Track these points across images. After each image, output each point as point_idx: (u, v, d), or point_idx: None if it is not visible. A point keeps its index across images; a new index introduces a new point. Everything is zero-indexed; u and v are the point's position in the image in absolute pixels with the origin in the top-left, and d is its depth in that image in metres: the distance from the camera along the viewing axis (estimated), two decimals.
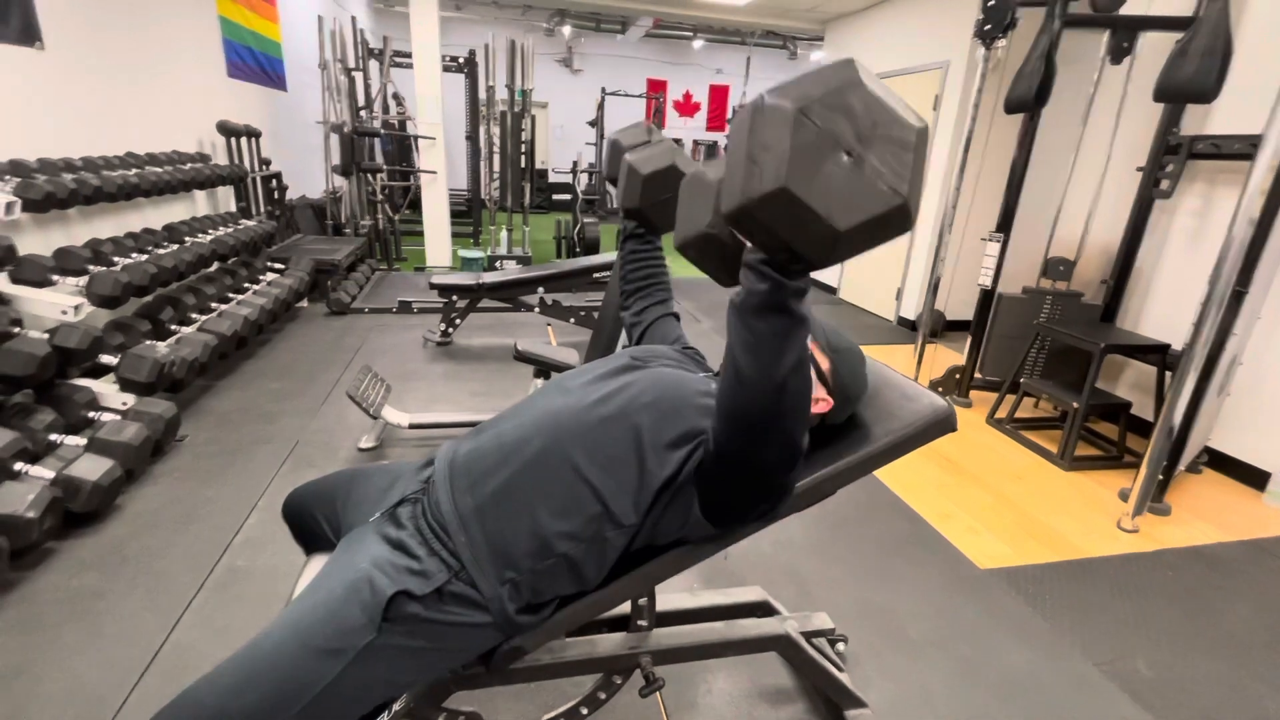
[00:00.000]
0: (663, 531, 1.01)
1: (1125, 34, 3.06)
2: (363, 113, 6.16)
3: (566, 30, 10.35)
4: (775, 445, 0.87)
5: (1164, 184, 3.00)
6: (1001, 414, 3.31)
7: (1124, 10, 3.03)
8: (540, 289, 4.06)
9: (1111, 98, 3.20)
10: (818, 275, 6.76)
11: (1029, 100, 2.98)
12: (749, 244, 0.75)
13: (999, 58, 3.20)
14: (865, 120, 0.62)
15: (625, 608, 1.24)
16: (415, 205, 6.68)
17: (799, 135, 0.60)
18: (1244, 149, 2.70)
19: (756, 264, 0.75)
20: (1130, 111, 3.14)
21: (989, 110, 3.51)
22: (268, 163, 5.04)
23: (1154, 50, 3.04)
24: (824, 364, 1.07)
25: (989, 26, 3.10)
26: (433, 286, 3.99)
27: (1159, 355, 2.93)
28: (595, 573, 1.00)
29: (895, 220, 0.64)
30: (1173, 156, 2.97)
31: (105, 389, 2.40)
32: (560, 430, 1.00)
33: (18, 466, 1.90)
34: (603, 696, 1.26)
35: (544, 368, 2.54)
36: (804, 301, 0.77)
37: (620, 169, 1.31)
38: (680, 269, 7.04)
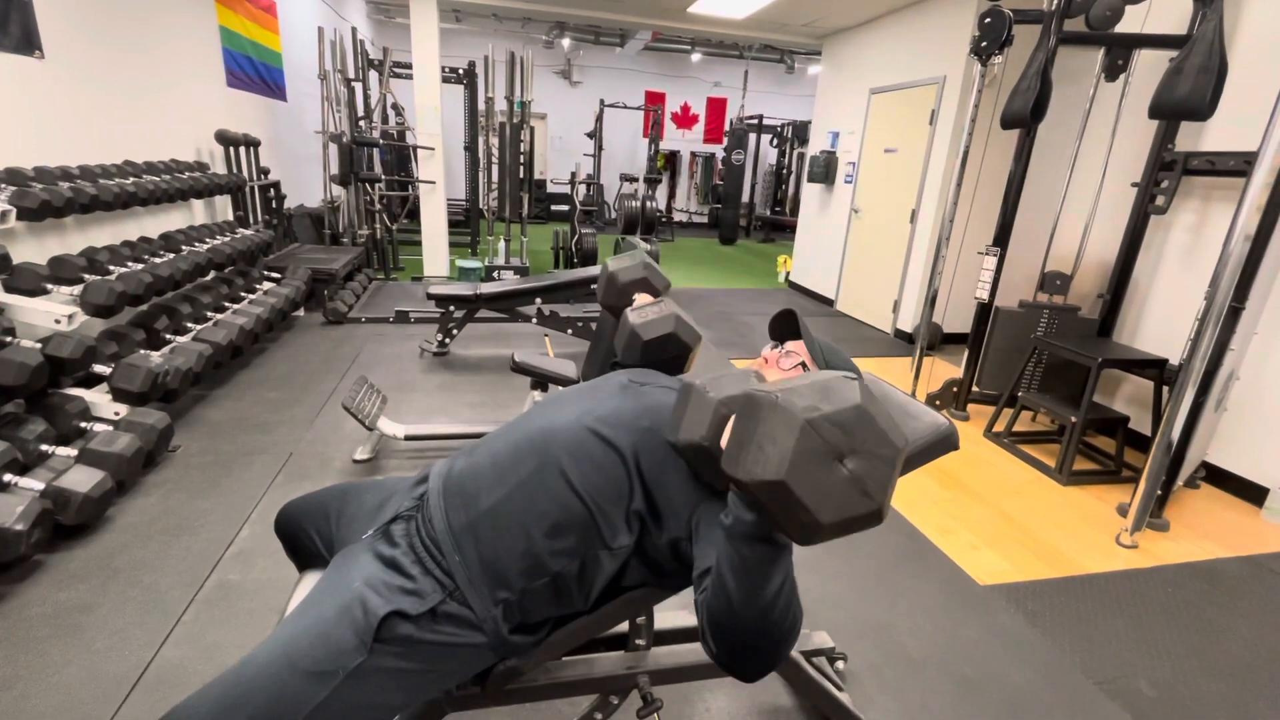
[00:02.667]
0: (657, 568, 1.01)
1: (1120, 51, 3.09)
2: (362, 123, 6.18)
3: (566, 43, 10.42)
4: (755, 662, 0.88)
5: (1159, 200, 3.02)
6: (999, 427, 3.31)
7: (1119, 28, 3.06)
8: (538, 300, 4.05)
9: (1107, 114, 3.22)
10: (816, 288, 6.74)
11: (1025, 116, 3.00)
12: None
13: (995, 74, 3.23)
14: (858, 436, 0.73)
15: (623, 627, 1.23)
16: (413, 215, 6.68)
17: (803, 442, 0.71)
18: (1239, 166, 2.72)
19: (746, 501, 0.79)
20: (1125, 128, 3.17)
21: (985, 125, 3.54)
22: (266, 172, 5.04)
23: (1149, 68, 3.08)
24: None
25: (985, 43, 3.13)
26: (430, 297, 3.98)
27: (1156, 370, 2.94)
28: (589, 594, 0.99)
29: (869, 520, 0.74)
30: (1168, 173, 2.99)
31: (98, 399, 2.38)
32: (555, 449, 0.99)
33: (7, 478, 1.88)
34: (600, 717, 1.24)
35: (541, 379, 2.52)
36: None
37: (621, 323, 1.40)
38: (679, 281, 7.06)
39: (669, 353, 1.35)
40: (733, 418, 0.79)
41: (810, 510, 0.71)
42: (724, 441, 0.82)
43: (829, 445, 0.72)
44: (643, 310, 1.38)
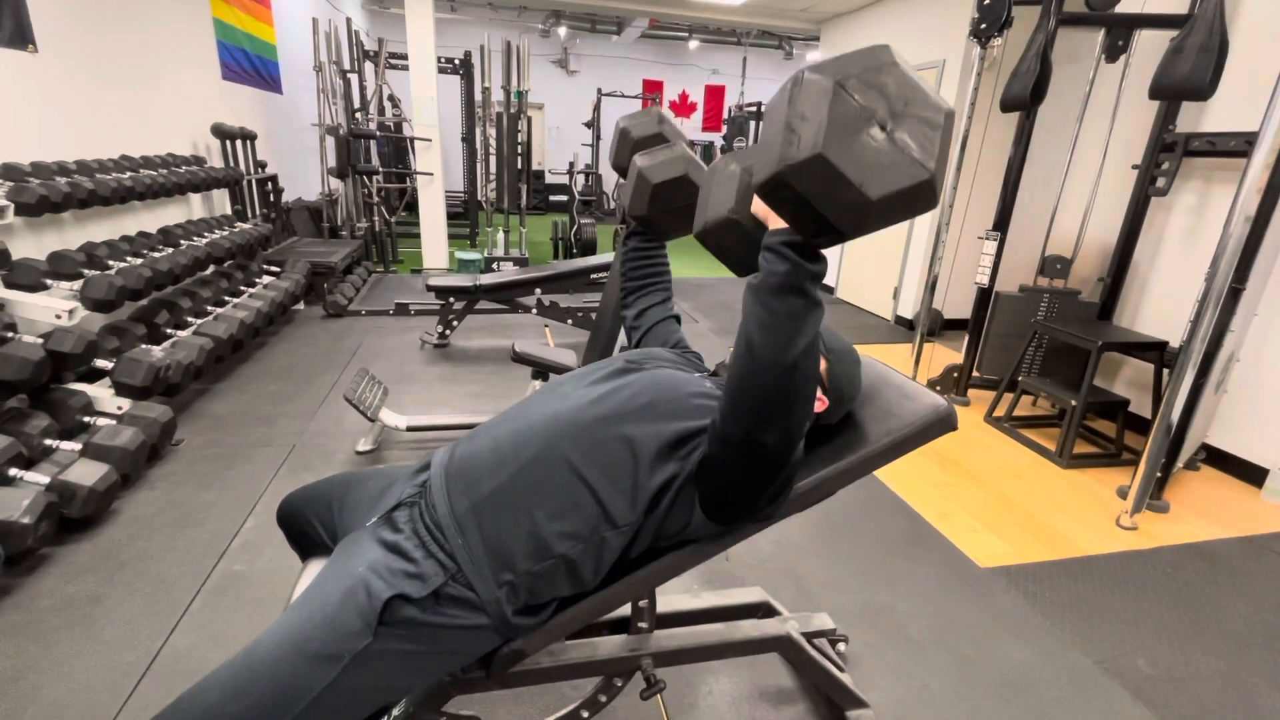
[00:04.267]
0: (666, 532, 1.01)
1: (1120, 32, 3.07)
2: (358, 115, 6.15)
3: (562, 31, 10.35)
4: (778, 428, 0.87)
5: (1160, 181, 3.00)
6: (1000, 412, 3.31)
7: (1119, 8, 3.03)
8: (537, 290, 4.05)
9: (1107, 96, 3.20)
10: None
11: (1025, 99, 2.98)
12: (770, 225, 0.78)
13: (994, 56, 3.21)
14: (898, 98, 0.65)
15: (626, 610, 1.24)
16: (411, 207, 6.67)
17: (836, 107, 0.63)
18: (1239, 146, 2.71)
19: (778, 245, 0.77)
20: (1126, 109, 3.15)
21: (985, 109, 3.51)
22: (263, 165, 5.03)
23: (1149, 48, 3.05)
24: (820, 364, 1.07)
25: (984, 25, 3.10)
26: (430, 288, 3.98)
27: (1156, 353, 2.94)
28: (593, 574, 0.99)
29: (922, 195, 0.67)
30: (1169, 154, 2.98)
31: (100, 393, 2.39)
32: (557, 432, 0.99)
33: (12, 472, 1.89)
34: (603, 699, 1.25)
35: (542, 369, 2.53)
36: (818, 286, 0.80)
37: (630, 168, 1.29)
38: (680, 269, 7.04)
39: (679, 200, 1.23)
40: (760, 125, 0.75)
41: (855, 185, 0.64)
42: (755, 206, 0.76)
43: (866, 109, 0.64)
44: (652, 152, 1.27)
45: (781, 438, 0.89)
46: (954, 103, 4.48)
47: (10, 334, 2.14)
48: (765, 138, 0.69)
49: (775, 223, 0.80)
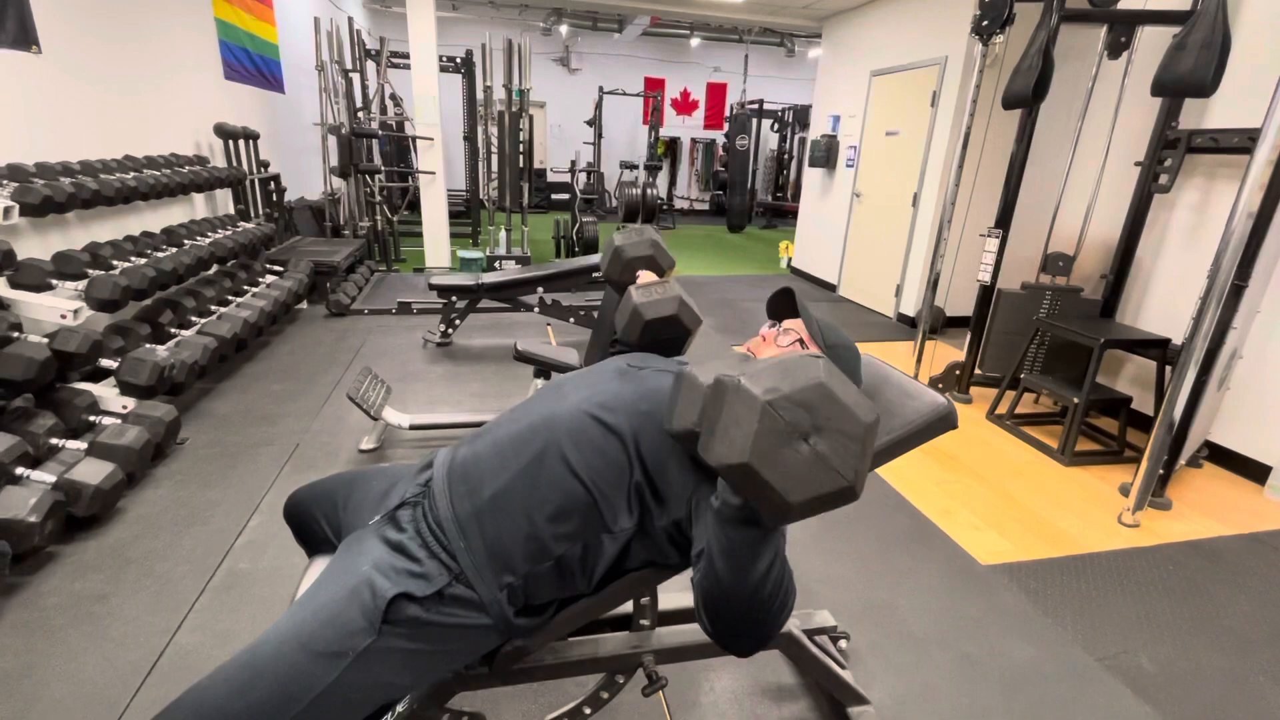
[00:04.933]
0: (659, 552, 1.02)
1: (1123, 28, 3.06)
2: (360, 114, 6.16)
3: (563, 29, 10.34)
4: (748, 639, 0.90)
5: (1163, 178, 3.00)
6: (1002, 410, 3.31)
7: (1122, 4, 3.02)
8: (539, 289, 4.05)
9: (1110, 92, 3.19)
10: (818, 273, 6.73)
11: (1027, 96, 2.98)
12: None
13: (997, 53, 3.20)
14: (821, 414, 0.73)
15: (628, 607, 1.24)
16: (414, 206, 6.67)
17: (765, 423, 0.71)
18: (1242, 143, 2.70)
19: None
20: (1128, 106, 3.14)
21: (987, 106, 3.51)
22: (266, 165, 5.04)
23: (1152, 44, 3.05)
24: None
25: (986, 22, 3.10)
26: (432, 287, 3.98)
27: (1159, 350, 2.93)
28: (592, 576, 1.00)
29: (840, 497, 0.75)
30: (1171, 151, 2.97)
31: (105, 393, 2.40)
32: (556, 435, 1.00)
33: (19, 471, 1.90)
34: (606, 696, 1.26)
35: (544, 367, 2.54)
36: None
37: (625, 299, 1.40)
38: (681, 268, 7.04)
39: (669, 334, 1.36)
40: (715, 367, 0.81)
41: (778, 490, 0.71)
42: None
43: (791, 425, 0.72)
44: (648, 289, 1.39)
45: (751, 644, 0.91)
46: (956, 100, 4.48)
47: (16, 334, 2.15)
48: (707, 421, 0.77)
49: None
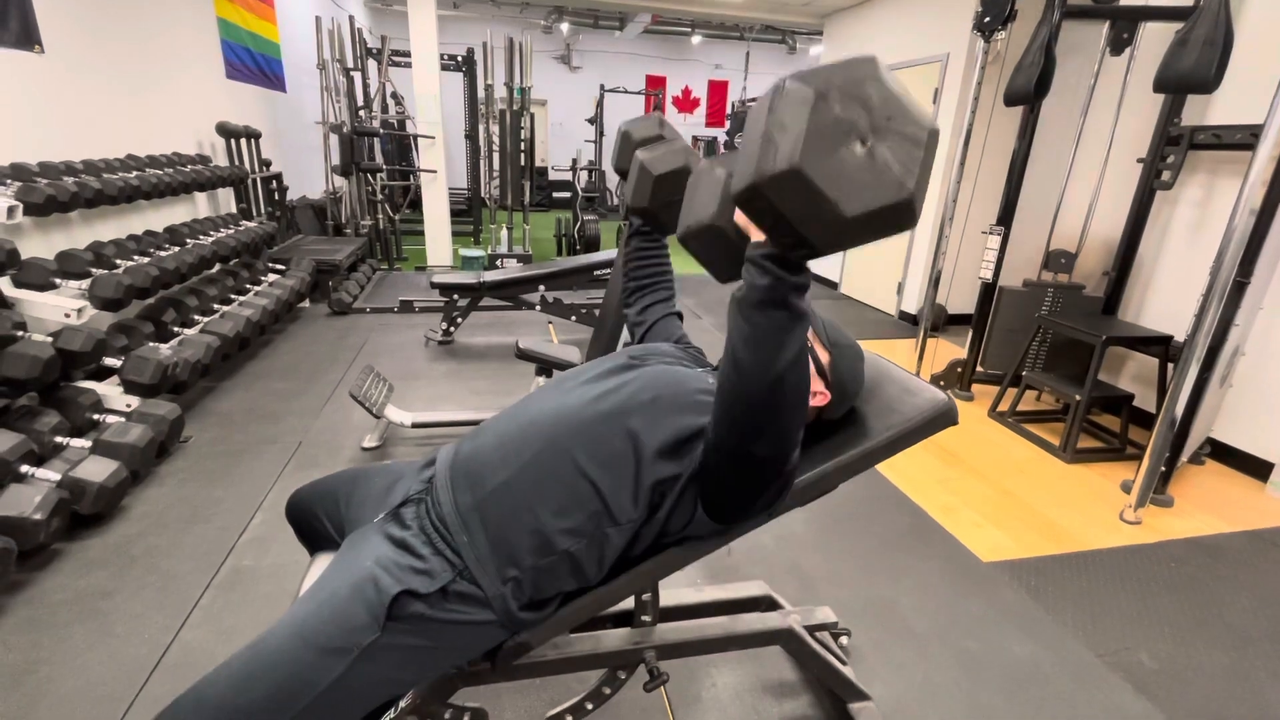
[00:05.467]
0: (669, 529, 1.02)
1: (1125, 24, 3.05)
2: (362, 113, 6.16)
3: (564, 27, 10.33)
4: (769, 439, 0.87)
5: (1165, 175, 2.99)
6: (1003, 407, 3.31)
7: (1124, 1, 3.01)
8: (541, 287, 4.06)
9: (1112, 89, 3.19)
10: (818, 269, 6.73)
11: (1029, 92, 2.97)
12: (753, 236, 0.76)
13: (998, 50, 3.20)
14: (881, 113, 0.63)
15: (629, 603, 1.25)
16: (415, 205, 6.68)
17: (816, 117, 0.62)
18: (1245, 139, 2.69)
19: (759, 258, 0.75)
20: (1131, 103, 3.13)
21: (989, 103, 3.50)
22: (268, 164, 5.04)
23: (1154, 41, 3.04)
24: (823, 358, 1.08)
25: (988, 18, 3.09)
26: (434, 286, 3.99)
27: (1161, 347, 2.93)
28: (597, 570, 1.00)
29: (901, 214, 0.65)
30: (1174, 147, 2.96)
31: (109, 391, 2.41)
32: (560, 429, 1.00)
33: (24, 469, 1.91)
34: (607, 691, 1.27)
35: (546, 365, 2.54)
36: (804, 298, 0.78)
37: (631, 165, 1.30)
38: (681, 266, 7.03)
39: (680, 192, 1.23)
40: (739, 137, 0.75)
41: (831, 201, 0.62)
42: (737, 215, 0.73)
43: (846, 122, 0.63)
44: (653, 145, 1.29)
45: (773, 448, 0.88)
46: (958, 97, 4.47)
47: (20, 333, 2.16)
48: (745, 145, 0.67)
49: (757, 234, 0.77)
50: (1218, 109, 2.94)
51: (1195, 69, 2.59)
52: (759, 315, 0.77)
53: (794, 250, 0.71)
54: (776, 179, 0.63)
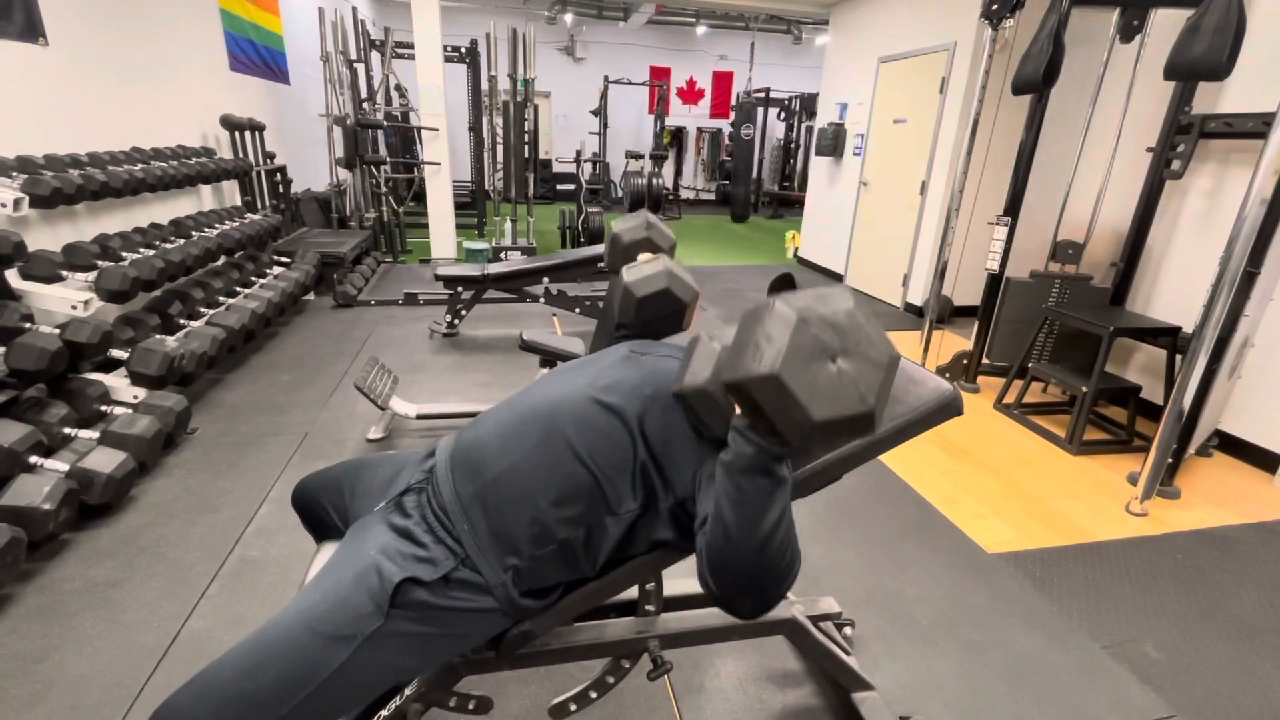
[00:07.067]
0: (661, 537, 1.03)
1: (1135, 11, 3.01)
2: (365, 105, 6.15)
3: (568, 18, 10.27)
4: (753, 597, 0.90)
5: (1175, 164, 2.96)
6: (1009, 399, 3.29)
7: None
8: (545, 279, 4.05)
9: (1121, 77, 3.15)
10: (825, 263, 6.71)
11: (1037, 81, 2.93)
12: (739, 410, 0.85)
13: (1006, 38, 3.16)
14: (850, 339, 0.76)
15: (633, 593, 1.25)
16: (419, 197, 6.67)
17: (797, 337, 0.74)
18: (1257, 127, 2.66)
19: (744, 429, 0.83)
20: (1140, 91, 3.09)
21: (996, 92, 3.46)
22: (272, 156, 5.05)
23: (1165, 28, 2.99)
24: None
25: (996, 6, 3.05)
26: (438, 278, 3.99)
27: (1169, 338, 2.91)
28: (596, 559, 1.01)
29: (860, 424, 0.76)
30: (1184, 136, 2.93)
31: (116, 383, 2.43)
32: (559, 419, 1.00)
33: (33, 460, 1.93)
34: (611, 680, 1.27)
35: (550, 357, 2.54)
36: (785, 465, 0.85)
37: (616, 285, 1.39)
38: (687, 259, 7.03)
39: (665, 309, 1.33)
40: (734, 331, 0.83)
41: (803, 405, 0.73)
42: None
43: (821, 343, 0.75)
44: (637, 267, 1.37)
45: (754, 605, 0.91)
46: (965, 86, 4.43)
47: (28, 325, 2.17)
48: (736, 346, 0.79)
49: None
50: (1229, 97, 2.91)
51: (1207, 56, 2.55)
52: (744, 480, 0.83)
53: (768, 437, 0.81)
54: (759, 380, 0.74)
